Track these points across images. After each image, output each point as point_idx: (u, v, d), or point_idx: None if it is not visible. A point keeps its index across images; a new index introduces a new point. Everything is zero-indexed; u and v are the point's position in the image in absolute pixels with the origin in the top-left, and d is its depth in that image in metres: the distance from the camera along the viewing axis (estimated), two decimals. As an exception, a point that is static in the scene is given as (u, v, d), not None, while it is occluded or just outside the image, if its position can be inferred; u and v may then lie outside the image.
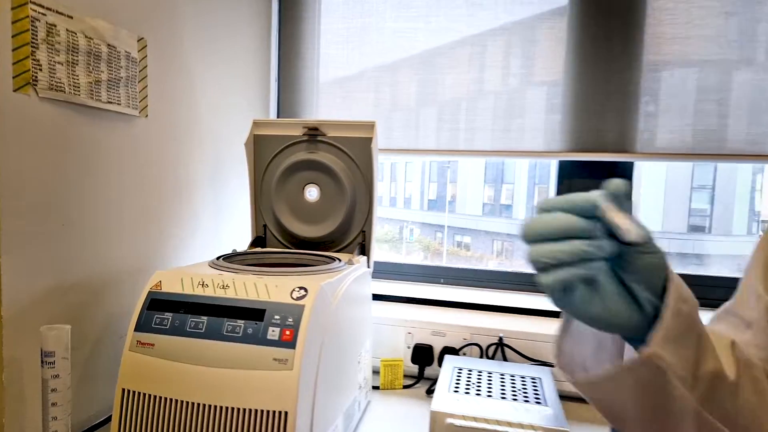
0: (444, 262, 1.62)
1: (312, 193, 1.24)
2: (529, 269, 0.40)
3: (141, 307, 0.83)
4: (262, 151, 1.25)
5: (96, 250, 0.93)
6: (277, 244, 1.27)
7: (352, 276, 1.00)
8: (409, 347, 1.36)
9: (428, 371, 1.34)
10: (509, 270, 1.55)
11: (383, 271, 1.61)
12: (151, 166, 1.06)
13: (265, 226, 1.28)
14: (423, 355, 1.34)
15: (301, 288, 0.81)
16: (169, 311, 0.82)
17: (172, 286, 0.84)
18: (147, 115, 1.04)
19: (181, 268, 0.93)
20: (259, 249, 1.23)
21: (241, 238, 1.40)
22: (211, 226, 1.28)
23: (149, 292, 0.84)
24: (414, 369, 1.34)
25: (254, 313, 0.79)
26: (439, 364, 1.32)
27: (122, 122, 0.97)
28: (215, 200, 1.31)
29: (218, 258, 1.02)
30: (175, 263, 1.15)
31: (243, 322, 0.79)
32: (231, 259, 1.05)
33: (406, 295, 1.47)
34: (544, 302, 1.43)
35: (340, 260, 1.06)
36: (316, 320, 0.80)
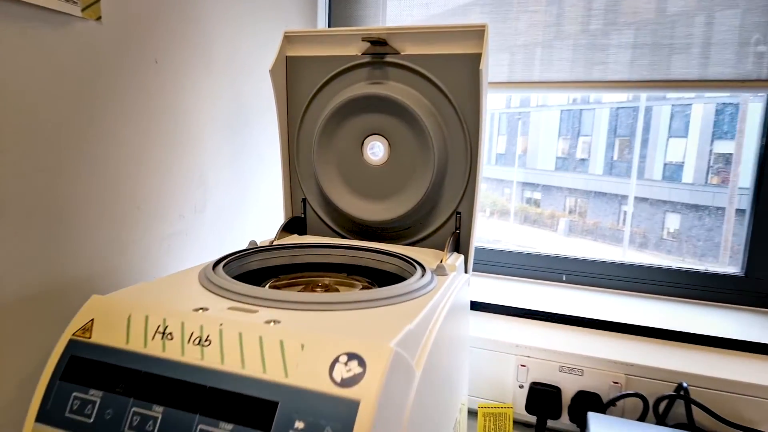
0: (565, 250, 1.14)
1: (377, 150, 0.80)
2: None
3: (50, 375, 0.44)
4: (299, 83, 0.82)
5: (21, 248, 0.56)
6: (322, 228, 0.86)
7: (446, 304, 0.56)
8: (521, 386, 0.93)
9: (552, 424, 0.90)
10: (682, 267, 1.04)
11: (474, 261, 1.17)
12: (113, 106, 0.66)
13: (304, 201, 0.86)
14: (545, 401, 0.90)
15: (351, 357, 0.39)
16: (99, 387, 0.43)
17: (109, 334, 0.45)
18: (99, 17, 0.63)
19: (142, 289, 0.53)
20: (294, 240, 0.82)
21: (270, 220, 1.00)
22: (224, 204, 0.88)
23: (70, 341, 0.46)
24: (529, 419, 0.91)
25: (255, 410, 0.38)
26: (573, 419, 0.88)
27: (47, 27, 0.57)
28: (232, 162, 0.90)
29: (221, 261, 0.62)
30: (164, 266, 0.76)
31: (231, 427, 0.38)
32: (242, 260, 0.65)
33: (516, 304, 1.01)
34: (751, 327, 0.93)
35: (422, 267, 0.63)
36: (383, 428, 0.38)
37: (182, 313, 0.46)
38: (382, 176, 0.80)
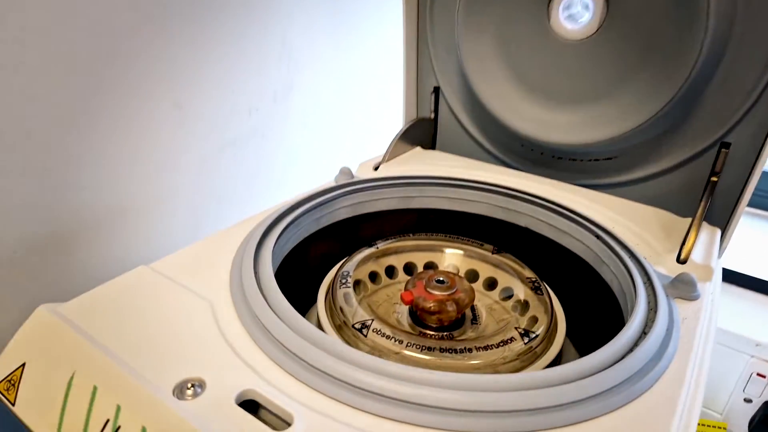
0: None
1: (577, 11, 0.44)
2: None
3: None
4: None
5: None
6: (463, 141, 0.57)
7: (697, 390, 0.27)
8: (748, 401, 0.63)
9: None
10: None
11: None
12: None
13: (437, 92, 0.56)
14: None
15: None
16: None
17: (38, 409, 0.25)
18: None
19: (129, 288, 0.33)
20: (415, 158, 0.55)
21: (385, 118, 0.71)
22: (318, 87, 0.61)
23: (-9, 398, 0.27)
24: (751, 449, 0.63)
25: None
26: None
27: None
28: (331, 23, 0.61)
29: (286, 215, 0.39)
30: (216, 196, 0.55)
31: None
32: (323, 209, 0.42)
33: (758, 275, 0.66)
34: None
35: (644, 271, 0.33)
36: None
37: (150, 405, 0.24)
38: (583, 61, 0.45)
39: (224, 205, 0.57)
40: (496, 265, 0.42)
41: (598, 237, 0.40)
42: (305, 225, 0.42)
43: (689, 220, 0.42)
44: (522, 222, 0.46)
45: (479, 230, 0.47)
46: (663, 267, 0.37)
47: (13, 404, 0.27)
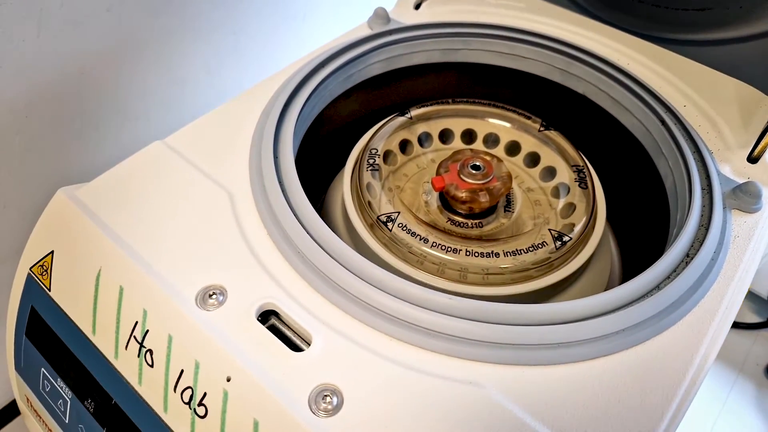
0: None
1: None
2: None
3: (15, 325, 0.31)
4: None
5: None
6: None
7: (725, 318, 0.27)
8: None
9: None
10: None
11: None
12: None
13: None
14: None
15: None
16: (63, 377, 0.28)
17: (72, 298, 0.28)
18: None
19: (147, 171, 0.32)
20: (450, 9, 0.47)
21: None
22: None
23: (28, 278, 0.30)
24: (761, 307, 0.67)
25: None
26: None
27: None
28: None
29: (312, 75, 0.37)
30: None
31: None
32: (351, 67, 0.40)
33: None
34: None
35: (703, 167, 0.33)
36: None
37: (174, 313, 0.25)
38: None
39: (242, 37, 0.52)
40: (543, 141, 0.39)
41: (663, 122, 0.35)
42: (333, 87, 0.39)
43: (778, 101, 0.36)
44: (580, 88, 0.41)
45: (529, 93, 0.43)
46: (729, 166, 0.34)
47: (49, 290, 0.29)
